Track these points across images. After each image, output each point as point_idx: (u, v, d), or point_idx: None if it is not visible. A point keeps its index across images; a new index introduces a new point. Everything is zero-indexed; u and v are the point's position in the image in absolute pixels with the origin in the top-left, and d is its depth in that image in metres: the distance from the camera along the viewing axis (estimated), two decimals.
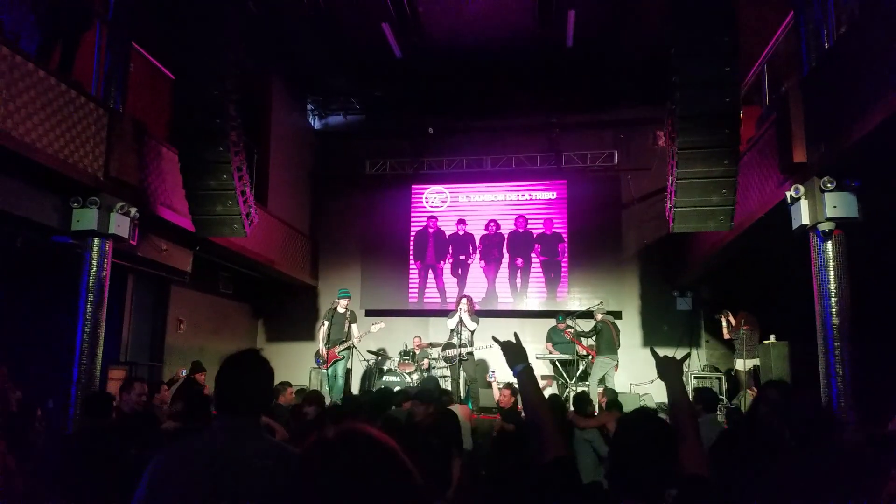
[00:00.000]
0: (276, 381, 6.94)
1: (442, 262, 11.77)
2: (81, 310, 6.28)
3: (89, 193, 6.26)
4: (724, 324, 9.34)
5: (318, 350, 9.30)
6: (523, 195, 11.87)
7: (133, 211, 6.61)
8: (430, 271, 11.78)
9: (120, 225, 6.43)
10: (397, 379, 9.48)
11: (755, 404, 2.47)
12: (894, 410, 3.86)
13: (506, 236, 11.71)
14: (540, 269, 11.56)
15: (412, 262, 11.93)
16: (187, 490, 1.71)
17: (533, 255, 11.58)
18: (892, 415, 3.82)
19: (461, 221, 11.79)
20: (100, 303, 6.37)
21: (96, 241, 6.37)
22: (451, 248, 11.78)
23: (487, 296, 11.53)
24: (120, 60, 6.83)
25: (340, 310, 9.36)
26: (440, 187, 12.12)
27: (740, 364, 9.16)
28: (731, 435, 2.69)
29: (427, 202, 12.12)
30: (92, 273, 6.34)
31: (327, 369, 9.15)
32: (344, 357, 9.21)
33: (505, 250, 11.67)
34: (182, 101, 6.85)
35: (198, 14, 6.60)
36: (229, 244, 8.69)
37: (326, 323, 9.32)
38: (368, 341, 10.09)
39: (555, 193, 11.76)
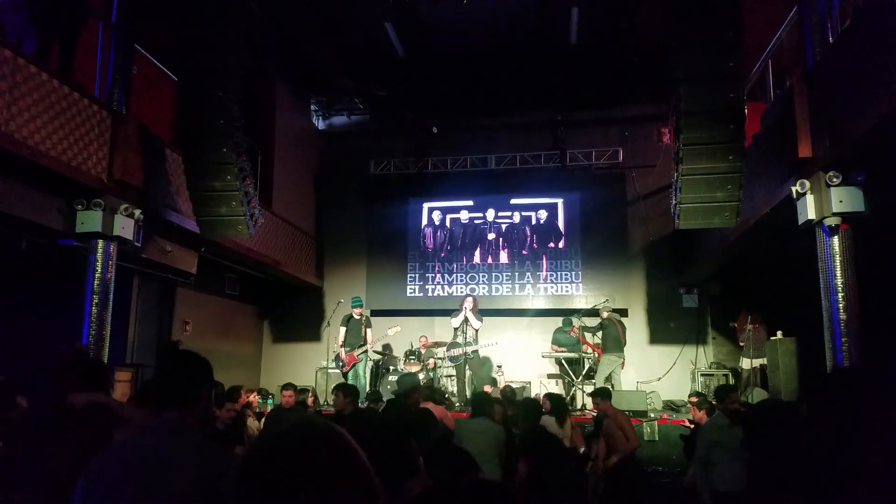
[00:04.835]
0: (281, 382, 7.05)
1: (448, 252, 11.83)
2: (87, 312, 6.30)
3: (93, 196, 6.27)
4: (749, 328, 9.03)
5: (339, 354, 9.68)
6: (530, 196, 11.91)
7: (137, 213, 6.63)
8: (438, 265, 11.85)
9: (124, 227, 6.46)
10: None
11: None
12: None
13: (511, 229, 11.79)
14: (543, 262, 11.61)
15: (418, 260, 11.94)
16: (114, 490, 1.71)
17: (536, 246, 11.67)
18: None
19: (469, 216, 11.87)
20: (105, 305, 6.39)
21: (101, 243, 6.38)
22: (458, 241, 11.85)
23: (494, 291, 11.57)
24: (123, 63, 6.86)
25: (356, 316, 9.75)
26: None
27: (746, 363, 9.08)
28: None
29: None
30: (97, 275, 6.36)
31: (347, 371, 9.54)
32: (362, 359, 9.64)
33: (511, 243, 11.75)
34: (186, 103, 6.85)
35: (201, 16, 6.60)
36: (234, 245, 8.70)
37: (343, 329, 9.70)
38: (377, 342, 10.17)
39: (561, 195, 11.78)
